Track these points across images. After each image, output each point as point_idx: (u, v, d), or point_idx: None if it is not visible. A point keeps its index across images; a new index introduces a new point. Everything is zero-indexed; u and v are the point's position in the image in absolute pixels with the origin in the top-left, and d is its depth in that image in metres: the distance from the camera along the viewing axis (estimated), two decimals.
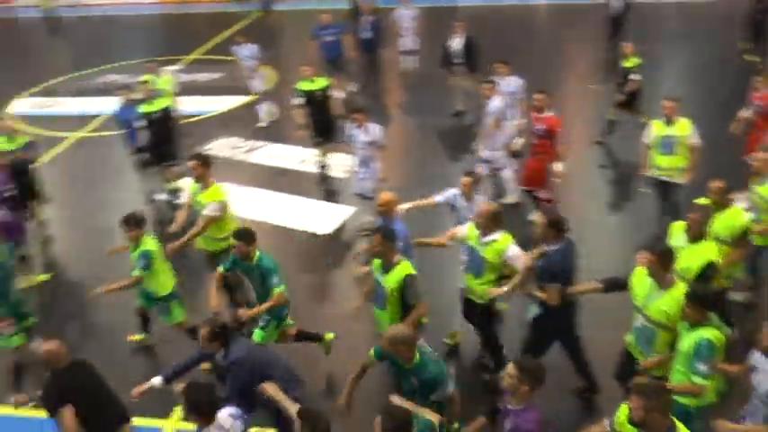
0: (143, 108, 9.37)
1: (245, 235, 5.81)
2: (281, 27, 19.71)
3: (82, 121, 13.18)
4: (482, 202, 6.28)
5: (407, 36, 13.21)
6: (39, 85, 15.55)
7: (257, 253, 5.84)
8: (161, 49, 16.62)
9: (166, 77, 11.26)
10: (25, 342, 6.17)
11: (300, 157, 10.91)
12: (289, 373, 5.00)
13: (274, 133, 11.98)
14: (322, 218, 9.29)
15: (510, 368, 3.97)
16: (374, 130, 8.34)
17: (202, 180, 6.81)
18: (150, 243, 6.24)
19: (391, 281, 5.29)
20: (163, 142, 9.45)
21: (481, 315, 6.04)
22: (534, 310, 5.62)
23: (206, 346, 4.90)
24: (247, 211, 8.95)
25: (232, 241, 5.87)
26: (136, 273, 6.18)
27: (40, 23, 21.58)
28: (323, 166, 10.44)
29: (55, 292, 8.10)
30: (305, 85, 9.81)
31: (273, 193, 10.03)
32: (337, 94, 10.05)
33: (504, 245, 5.62)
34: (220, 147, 11.60)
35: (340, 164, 10.15)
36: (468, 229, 5.90)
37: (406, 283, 5.26)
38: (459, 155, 10.71)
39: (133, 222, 6.17)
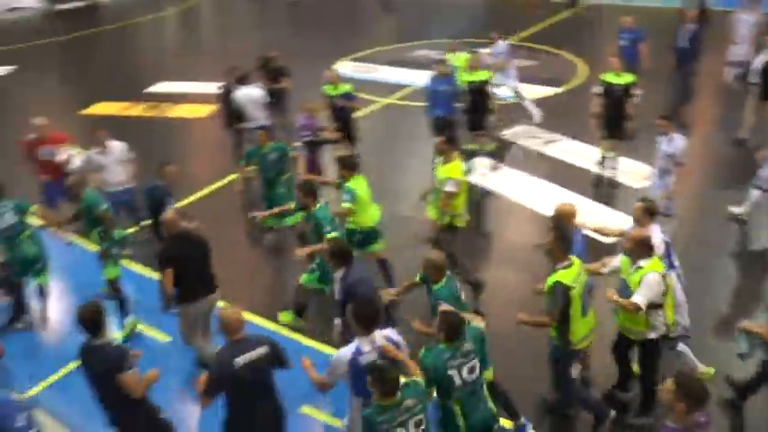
0: (466, 76, 10.44)
1: (303, 186, 6.98)
2: (602, 21, 19.87)
3: (393, 88, 14.82)
4: (636, 229, 5.88)
5: (743, 44, 12.30)
6: (362, 51, 17.76)
7: (317, 205, 6.78)
8: (478, 32, 17.59)
9: (462, 56, 11.58)
10: None
11: (596, 158, 10.66)
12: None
13: (574, 128, 11.96)
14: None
15: (668, 383, 3.89)
16: (677, 143, 8.13)
17: (445, 155, 7.44)
18: (355, 183, 7.28)
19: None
20: (477, 110, 10.46)
21: (642, 354, 5.75)
22: (746, 348, 5.35)
23: (328, 261, 5.97)
24: (529, 202, 9.65)
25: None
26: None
27: None
28: (605, 164, 10.34)
29: None
30: (609, 77, 9.91)
31: (558, 188, 10.13)
32: (637, 96, 9.92)
33: (646, 270, 5.37)
34: (518, 134, 12.15)
35: (633, 170, 10.15)
36: (620, 261, 5.74)
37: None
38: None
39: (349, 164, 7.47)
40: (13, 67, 18.89)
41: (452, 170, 7.31)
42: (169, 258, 6.13)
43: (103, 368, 4.72)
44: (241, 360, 4.60)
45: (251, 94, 10.47)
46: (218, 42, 21.97)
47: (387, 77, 15.62)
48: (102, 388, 4.84)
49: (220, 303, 6.39)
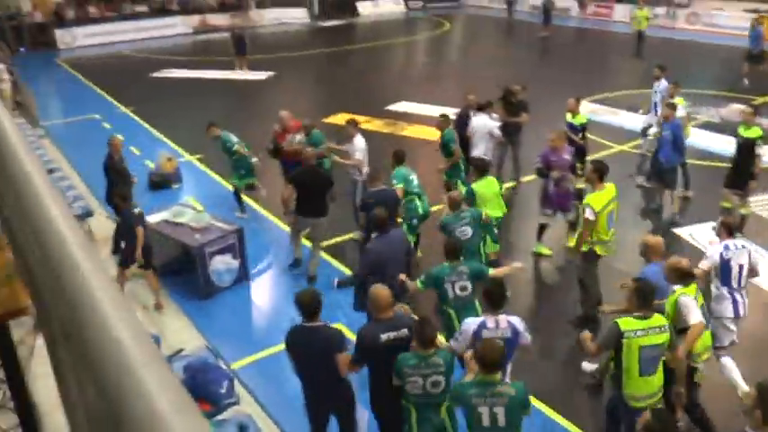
0: (740, 131, 9.49)
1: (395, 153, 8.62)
2: None
3: (630, 135, 13.65)
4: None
5: None
6: (605, 93, 17.19)
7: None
8: (734, 83, 16.46)
9: (680, 100, 11.19)
10: None
11: None
12: None
13: None
14: None
15: (751, 390, 4.15)
16: None
17: (593, 184, 7.45)
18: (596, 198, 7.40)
19: None
20: (740, 168, 9.52)
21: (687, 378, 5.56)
22: None
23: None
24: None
25: None
26: None
27: (629, 39, 23.47)
28: None
29: None
30: None
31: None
32: None
33: (677, 295, 5.47)
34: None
35: None
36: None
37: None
38: None
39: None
40: (272, 73, 21.14)
41: (595, 198, 7.32)
42: (294, 179, 8.51)
43: (323, 347, 4.99)
44: (385, 337, 5.01)
45: (485, 123, 10.45)
46: (463, 69, 22.61)
47: (625, 123, 14.91)
48: (319, 368, 5.08)
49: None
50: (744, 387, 6.17)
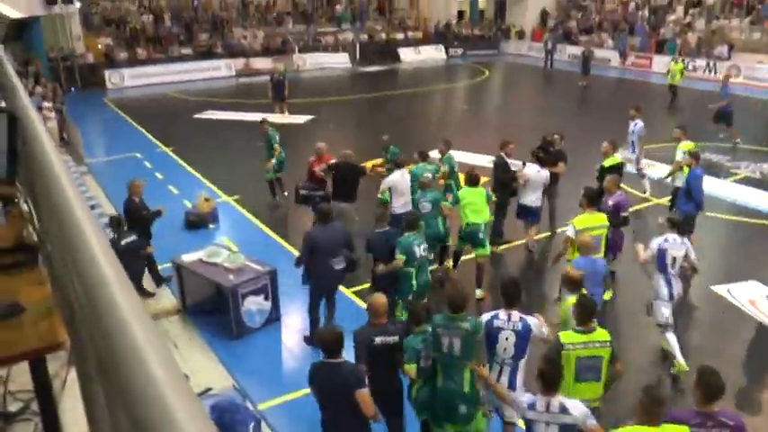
0: None
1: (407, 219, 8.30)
2: None
3: (659, 188, 13.18)
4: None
5: None
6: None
7: None
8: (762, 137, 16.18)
9: (687, 144, 11.25)
10: None
11: None
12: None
13: None
14: None
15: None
16: None
17: None
18: None
19: None
20: None
21: None
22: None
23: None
24: None
25: None
26: None
27: (666, 90, 23.36)
28: None
29: None
30: None
31: None
32: None
33: (569, 302, 6.18)
34: None
35: None
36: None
37: None
38: None
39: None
40: (312, 116, 21.52)
41: (579, 219, 8.24)
42: (332, 167, 10.47)
43: (343, 384, 5.10)
44: (378, 340, 5.74)
45: (540, 172, 10.54)
46: (501, 117, 22.71)
47: (654, 174, 14.66)
48: (339, 403, 5.18)
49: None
50: (681, 360, 7.42)
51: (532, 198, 10.53)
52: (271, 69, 27.96)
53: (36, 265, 2.39)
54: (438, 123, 21.69)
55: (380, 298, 5.93)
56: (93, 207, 10.50)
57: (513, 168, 10.72)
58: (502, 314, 5.73)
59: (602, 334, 5.54)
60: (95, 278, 0.98)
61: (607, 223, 8.34)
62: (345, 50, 34.84)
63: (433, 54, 37.21)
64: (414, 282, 7.70)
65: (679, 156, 11.23)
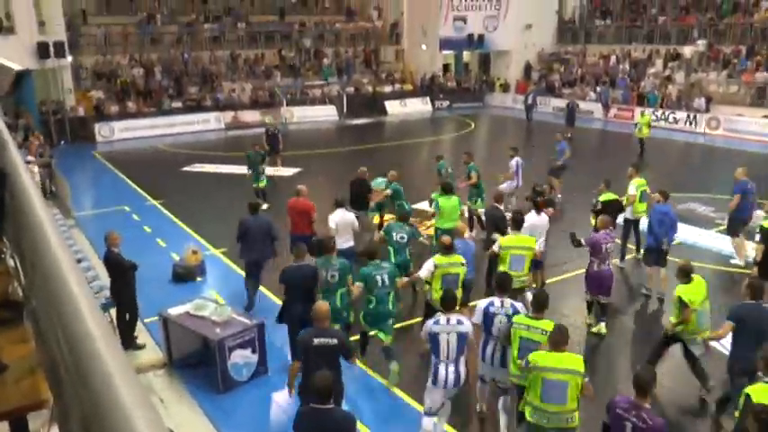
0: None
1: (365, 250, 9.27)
2: None
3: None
4: None
5: None
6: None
7: None
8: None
9: (639, 181, 12.31)
10: None
11: None
12: None
13: None
14: None
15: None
16: None
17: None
18: None
19: None
20: None
21: None
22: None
23: None
24: None
25: None
26: None
27: (648, 142, 23.70)
28: None
29: None
30: None
31: None
32: None
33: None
34: None
35: None
36: None
37: None
38: None
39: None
40: (299, 169, 21.65)
41: (507, 238, 9.58)
42: (351, 184, 13.30)
43: (336, 429, 5.21)
44: (317, 341, 6.34)
45: (541, 221, 10.75)
46: (488, 167, 22.79)
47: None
48: None
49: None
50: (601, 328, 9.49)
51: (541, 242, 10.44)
52: (260, 122, 28.24)
53: (20, 322, 2.37)
54: (425, 175, 21.79)
55: (324, 305, 6.64)
56: (79, 261, 10.42)
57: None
58: (496, 301, 7.11)
59: (546, 324, 6.52)
60: (80, 333, 0.97)
61: (530, 243, 9.37)
62: (332, 103, 35.30)
63: (419, 106, 37.76)
64: (371, 307, 8.44)
65: (631, 190, 12.19)
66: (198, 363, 8.71)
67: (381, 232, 10.88)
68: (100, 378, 0.84)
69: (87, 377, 0.87)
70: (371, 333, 8.55)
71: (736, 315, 6.92)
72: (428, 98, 38.22)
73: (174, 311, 8.82)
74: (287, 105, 33.47)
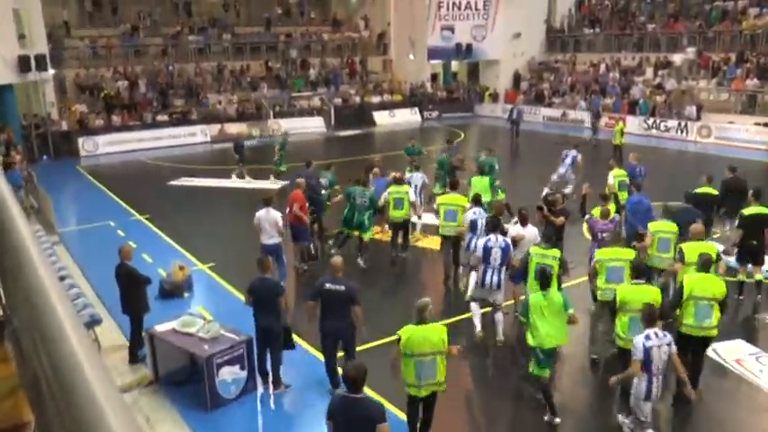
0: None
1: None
2: None
3: None
4: None
5: None
6: None
7: None
8: None
9: (617, 172, 14.39)
10: None
11: None
12: None
13: None
14: None
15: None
16: None
17: None
18: None
19: None
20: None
21: None
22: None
23: None
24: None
25: None
26: None
27: (635, 149, 23.83)
28: None
29: None
30: None
31: None
32: None
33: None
34: None
35: None
36: None
37: None
38: None
39: None
40: (286, 182, 21.57)
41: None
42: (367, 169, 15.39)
43: (365, 417, 5.42)
44: (328, 285, 7.98)
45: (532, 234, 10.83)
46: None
47: None
48: None
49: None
50: (478, 328, 9.98)
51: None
52: (247, 135, 28.23)
53: (1, 342, 2.34)
54: None
55: (339, 259, 8.27)
56: (62, 278, 10.34)
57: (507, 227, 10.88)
58: (492, 237, 9.73)
59: (554, 252, 9.34)
60: (63, 352, 0.96)
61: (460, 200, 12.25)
62: (320, 115, 35.35)
63: (408, 117, 37.90)
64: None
65: (610, 180, 14.12)
66: (185, 380, 8.63)
67: (343, 195, 13.88)
68: (83, 398, 0.83)
69: (70, 397, 0.85)
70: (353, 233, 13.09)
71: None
72: (417, 108, 38.37)
73: (161, 328, 8.76)
74: (274, 117, 33.46)
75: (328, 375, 8.38)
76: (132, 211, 18.25)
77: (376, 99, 38.17)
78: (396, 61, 41.40)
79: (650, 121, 30.51)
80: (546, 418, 7.79)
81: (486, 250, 9.59)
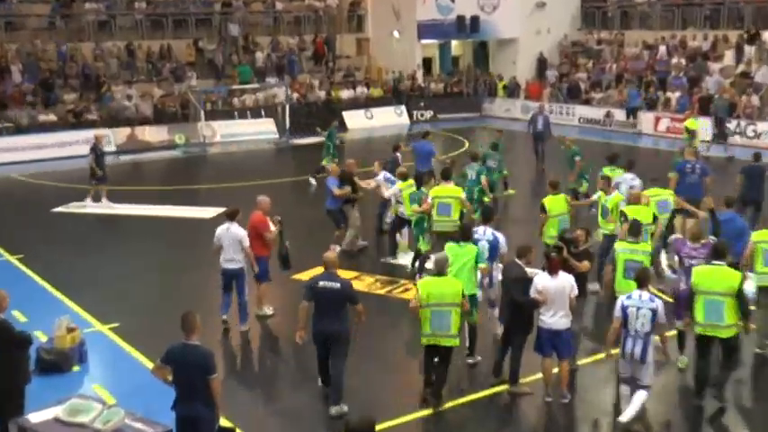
0: None
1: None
2: None
3: None
4: None
5: None
6: None
7: None
8: None
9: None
10: None
11: None
12: None
13: None
14: None
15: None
16: None
17: None
18: None
19: None
20: None
21: None
22: None
23: None
24: None
25: None
26: None
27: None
28: None
29: None
30: None
31: None
32: None
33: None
34: None
35: None
36: None
37: None
38: None
39: None
40: (222, 209, 21.30)
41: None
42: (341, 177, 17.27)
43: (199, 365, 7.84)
44: (321, 284, 10.03)
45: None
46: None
47: None
48: None
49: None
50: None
51: (559, 317, 10.39)
52: (168, 143, 27.87)
53: None
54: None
55: (333, 254, 10.58)
56: None
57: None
58: (480, 229, 12.28)
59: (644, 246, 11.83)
60: None
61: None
62: (270, 116, 35.24)
63: (391, 118, 38.06)
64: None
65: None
66: None
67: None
68: None
69: None
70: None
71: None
72: (404, 107, 38.56)
73: (37, 418, 8.53)
74: (206, 119, 33.21)
75: (320, 374, 10.76)
76: None
77: (347, 94, 38.29)
78: (375, 41, 41.64)
79: (732, 124, 30.38)
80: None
81: (475, 243, 11.82)
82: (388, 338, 13.20)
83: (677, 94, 33.55)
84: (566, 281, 10.41)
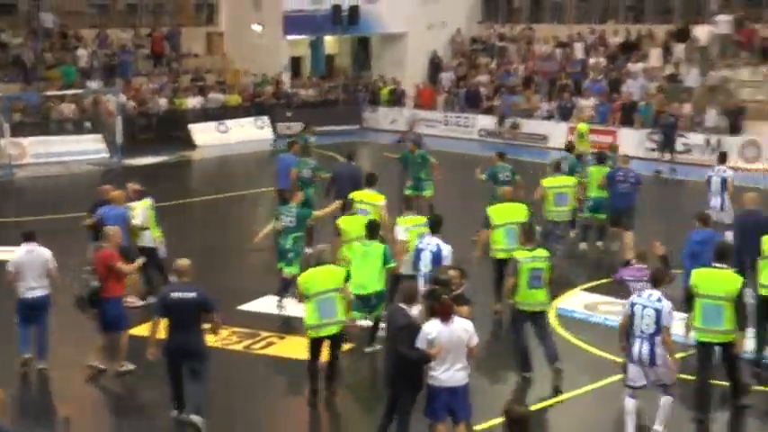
0: None
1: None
2: None
3: None
4: None
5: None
6: None
7: None
8: None
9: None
10: None
11: None
12: None
13: None
14: None
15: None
16: None
17: None
18: None
19: None
20: None
21: None
22: None
23: None
24: None
25: None
26: None
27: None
28: None
29: None
30: None
31: None
32: None
33: None
34: None
35: None
36: None
37: None
38: None
39: None
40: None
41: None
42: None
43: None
44: (174, 295, 11.24)
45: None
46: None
47: None
48: None
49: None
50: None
51: (455, 371, 10.44)
52: None
53: None
54: (261, 259, 21.47)
55: (185, 261, 11.59)
56: None
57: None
58: (425, 240, 14.24)
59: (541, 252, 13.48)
60: None
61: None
62: (98, 130, 34.72)
63: (251, 132, 38.05)
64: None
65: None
66: None
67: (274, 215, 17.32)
68: None
69: None
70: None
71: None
72: (266, 118, 38.62)
73: None
74: (12, 135, 32.50)
75: (174, 400, 11.69)
76: None
77: (195, 102, 38.07)
78: (230, 36, 41.57)
79: (658, 135, 31.34)
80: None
81: (418, 251, 14.19)
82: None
83: (591, 100, 34.26)
84: (461, 327, 10.44)
